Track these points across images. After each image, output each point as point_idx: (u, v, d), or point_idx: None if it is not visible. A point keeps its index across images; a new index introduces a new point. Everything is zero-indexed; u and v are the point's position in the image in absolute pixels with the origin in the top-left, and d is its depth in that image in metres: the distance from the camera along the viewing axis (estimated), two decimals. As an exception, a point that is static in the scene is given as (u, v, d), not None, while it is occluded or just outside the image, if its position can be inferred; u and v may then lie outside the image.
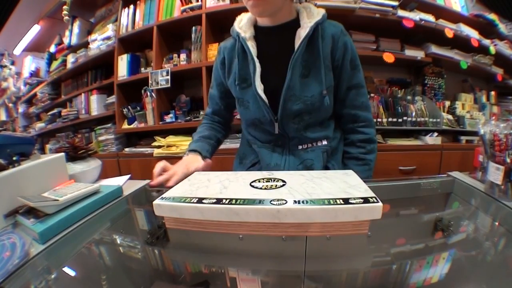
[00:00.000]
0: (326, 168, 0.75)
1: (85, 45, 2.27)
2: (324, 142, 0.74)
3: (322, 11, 0.70)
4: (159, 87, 1.86)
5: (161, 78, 1.85)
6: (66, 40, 2.52)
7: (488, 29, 1.98)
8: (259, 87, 0.69)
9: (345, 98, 0.74)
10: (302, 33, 0.67)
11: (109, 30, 2.08)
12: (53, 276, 0.42)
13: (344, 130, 0.80)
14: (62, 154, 0.69)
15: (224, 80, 0.80)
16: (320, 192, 0.44)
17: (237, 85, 0.73)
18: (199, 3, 1.79)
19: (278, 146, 0.76)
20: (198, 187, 0.51)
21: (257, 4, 0.64)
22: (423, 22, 1.72)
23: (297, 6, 0.73)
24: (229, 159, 1.75)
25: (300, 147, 0.74)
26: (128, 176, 0.85)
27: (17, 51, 3.39)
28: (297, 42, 0.68)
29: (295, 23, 0.70)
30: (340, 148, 0.79)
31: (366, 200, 0.40)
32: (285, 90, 0.67)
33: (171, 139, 1.84)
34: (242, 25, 0.74)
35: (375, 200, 0.40)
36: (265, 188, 0.47)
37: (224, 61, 0.78)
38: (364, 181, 0.50)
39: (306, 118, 0.70)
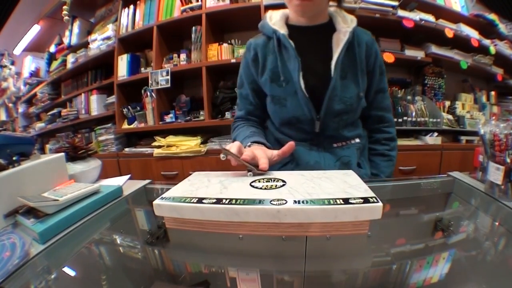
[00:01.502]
0: (358, 164, 0.79)
1: (85, 45, 2.27)
2: (357, 140, 0.78)
3: (355, 18, 0.75)
4: (159, 87, 1.86)
5: (161, 78, 1.85)
6: (66, 40, 2.52)
7: (488, 29, 1.98)
8: (302, 84, 0.69)
9: (373, 101, 0.80)
10: (341, 37, 0.70)
11: (109, 30, 2.08)
12: (53, 276, 0.42)
13: (370, 130, 0.85)
14: (62, 154, 0.69)
15: (257, 77, 0.78)
16: (320, 192, 0.44)
17: (274, 82, 0.73)
18: (199, 3, 1.79)
19: (314, 144, 0.76)
20: (198, 187, 0.51)
21: (305, 4, 0.66)
22: (423, 22, 1.72)
23: (329, 10, 0.77)
24: (229, 159, 1.75)
25: (335, 145, 0.76)
26: (128, 176, 0.85)
27: (17, 51, 3.39)
28: (336, 45, 0.71)
29: (330, 26, 0.74)
30: (366, 145, 0.84)
31: (366, 200, 0.40)
32: (330, 89, 0.69)
33: (171, 139, 1.85)
34: (275, 22, 0.74)
35: (375, 200, 0.39)
36: (265, 188, 0.47)
37: (256, 58, 0.76)
38: (364, 181, 0.50)
39: (345, 117, 0.73)
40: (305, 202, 0.40)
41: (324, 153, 0.75)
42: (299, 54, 0.70)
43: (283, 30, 0.72)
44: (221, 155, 0.56)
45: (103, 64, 2.25)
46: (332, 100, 0.70)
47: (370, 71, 0.76)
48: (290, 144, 0.60)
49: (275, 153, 0.61)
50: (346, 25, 0.72)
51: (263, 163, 0.55)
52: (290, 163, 0.78)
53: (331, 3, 0.77)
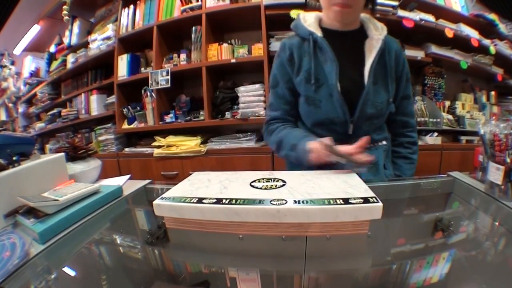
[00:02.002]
0: (383, 166, 0.81)
1: (85, 45, 2.27)
2: (384, 142, 0.80)
3: (385, 26, 0.77)
4: (159, 87, 1.86)
5: (161, 78, 1.85)
6: (66, 40, 2.52)
7: (488, 29, 1.97)
8: (339, 87, 0.71)
9: (399, 106, 0.82)
10: (374, 44, 0.73)
11: (109, 30, 2.07)
12: (53, 276, 0.42)
13: (394, 133, 0.88)
14: (62, 154, 0.69)
15: (293, 76, 0.78)
16: (320, 192, 0.44)
17: (309, 83, 0.73)
18: (199, 3, 1.79)
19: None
20: (198, 187, 0.51)
21: (345, 11, 0.69)
22: (423, 22, 1.72)
23: (361, 17, 0.79)
24: (229, 159, 1.76)
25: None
26: (128, 176, 0.85)
27: (17, 51, 3.39)
28: (369, 51, 0.73)
29: (362, 32, 0.76)
30: (390, 148, 0.87)
31: (366, 200, 0.40)
32: (365, 94, 0.71)
33: (171, 139, 1.84)
34: (310, 24, 0.75)
35: (375, 200, 0.40)
36: (265, 188, 0.47)
37: (292, 58, 0.77)
38: (364, 181, 0.50)
39: (375, 121, 0.76)
40: (305, 202, 0.40)
41: None
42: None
43: (319, 33, 0.73)
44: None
45: (103, 64, 2.24)
46: (365, 104, 0.72)
47: (398, 78, 0.79)
48: (366, 139, 0.61)
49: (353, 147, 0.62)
50: (377, 32, 0.75)
51: (365, 156, 0.59)
52: None
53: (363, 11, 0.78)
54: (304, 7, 1.58)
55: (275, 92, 0.81)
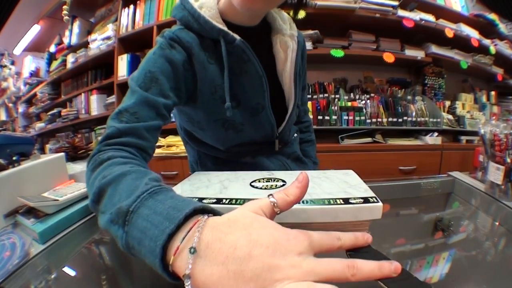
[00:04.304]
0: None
1: (85, 45, 2.27)
2: (295, 135, 0.76)
3: (288, 15, 0.62)
4: (159, 87, 1.86)
5: (161, 78, 1.85)
6: (66, 40, 2.52)
7: (488, 29, 1.98)
8: (268, 106, 0.57)
9: (301, 98, 0.73)
10: (288, 42, 0.57)
11: (109, 30, 2.07)
12: (53, 276, 0.42)
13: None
14: (62, 154, 0.69)
15: (188, 87, 0.53)
16: (320, 192, 0.44)
17: (229, 106, 0.52)
18: (199, 3, 1.79)
19: (268, 156, 0.69)
20: (198, 187, 0.51)
21: None
22: (423, 22, 1.72)
23: None
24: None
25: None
26: (128, 176, 0.84)
27: (17, 51, 3.39)
28: (283, 50, 0.57)
29: (266, 26, 0.59)
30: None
31: (366, 200, 0.40)
32: (293, 104, 0.60)
33: (171, 139, 1.84)
34: (212, 15, 0.51)
35: (375, 200, 0.39)
36: (265, 188, 0.47)
37: (191, 62, 0.52)
38: (364, 181, 0.50)
39: (292, 123, 0.69)
40: (305, 202, 0.40)
41: (281, 158, 0.68)
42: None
43: (230, 31, 0.51)
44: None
45: (103, 64, 2.24)
46: (292, 112, 0.62)
47: (303, 71, 0.69)
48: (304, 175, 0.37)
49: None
50: (286, 26, 0.59)
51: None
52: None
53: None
54: (305, 7, 1.58)
55: (143, 96, 0.45)
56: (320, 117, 1.65)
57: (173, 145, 1.83)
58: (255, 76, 0.54)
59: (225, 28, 0.51)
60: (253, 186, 0.49)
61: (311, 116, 0.79)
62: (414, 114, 1.68)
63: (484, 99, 2.07)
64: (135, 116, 0.44)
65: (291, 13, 0.63)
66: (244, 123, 0.57)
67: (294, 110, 0.62)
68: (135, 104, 0.45)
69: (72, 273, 0.45)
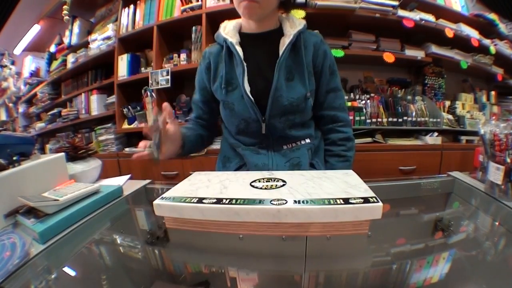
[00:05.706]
0: (311, 165, 0.79)
1: (85, 45, 2.27)
2: (308, 141, 0.79)
3: (303, 22, 0.76)
4: (159, 87, 1.85)
5: (161, 78, 1.85)
6: (66, 40, 2.52)
7: (488, 29, 1.98)
8: (247, 88, 0.72)
9: (324, 101, 0.80)
10: (286, 40, 0.72)
11: (109, 30, 2.07)
12: (53, 276, 0.42)
13: (324, 131, 0.85)
14: (62, 154, 0.69)
15: (209, 85, 0.82)
16: (320, 192, 0.44)
17: (223, 88, 0.75)
18: (199, 3, 1.78)
19: (263, 148, 0.78)
20: (198, 187, 0.51)
21: (251, 6, 0.67)
22: (423, 22, 1.72)
23: (280, 17, 0.78)
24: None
25: (285, 147, 0.78)
26: (128, 176, 0.85)
27: (17, 51, 3.39)
28: (282, 48, 0.72)
29: (279, 32, 0.75)
30: (322, 146, 0.84)
31: (366, 200, 0.40)
32: (273, 91, 0.71)
33: (171, 139, 1.85)
34: (228, 31, 0.77)
35: (375, 200, 0.40)
36: (265, 188, 0.47)
37: (209, 66, 0.80)
38: (364, 181, 0.50)
39: (291, 118, 0.74)
40: (305, 202, 0.40)
41: (274, 155, 0.77)
42: (247, 60, 0.73)
43: (233, 39, 0.75)
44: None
45: (103, 64, 2.24)
46: (276, 101, 0.72)
47: (319, 72, 0.77)
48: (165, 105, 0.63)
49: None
50: (292, 28, 0.74)
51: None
52: (244, 166, 0.79)
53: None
54: (305, 7, 1.59)
55: (193, 98, 0.90)
56: (320, 117, 1.65)
57: (173, 145, 1.82)
58: (240, 65, 0.72)
59: (228, 37, 0.75)
60: (253, 186, 0.49)
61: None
62: (414, 114, 1.68)
63: (484, 99, 2.07)
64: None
65: (296, 12, 0.75)
66: (235, 103, 0.75)
67: (279, 97, 0.72)
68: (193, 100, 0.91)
69: (72, 273, 0.45)
